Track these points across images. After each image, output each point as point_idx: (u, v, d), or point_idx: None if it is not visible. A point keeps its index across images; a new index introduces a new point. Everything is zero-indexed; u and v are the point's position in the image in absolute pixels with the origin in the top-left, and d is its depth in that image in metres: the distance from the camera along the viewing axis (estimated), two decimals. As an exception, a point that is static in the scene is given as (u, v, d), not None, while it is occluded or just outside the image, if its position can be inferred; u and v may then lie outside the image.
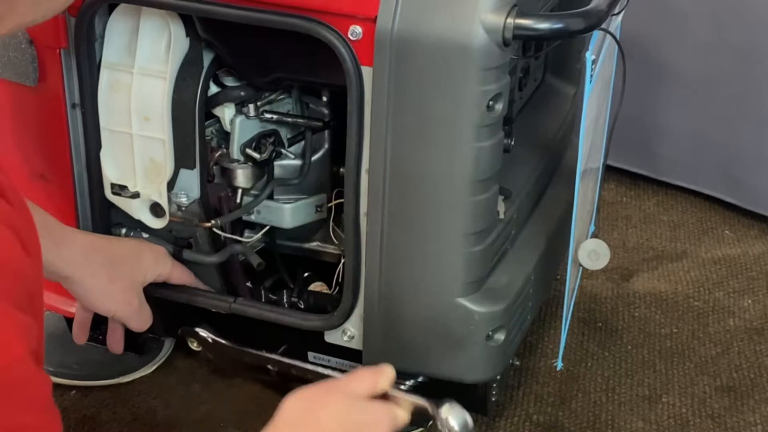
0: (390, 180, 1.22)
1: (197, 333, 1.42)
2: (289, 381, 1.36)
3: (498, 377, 1.40)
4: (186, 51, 1.29)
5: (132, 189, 1.34)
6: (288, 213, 1.38)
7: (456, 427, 1.05)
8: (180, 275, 1.39)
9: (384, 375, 1.07)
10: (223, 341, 1.42)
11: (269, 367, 1.40)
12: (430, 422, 1.49)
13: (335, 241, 1.41)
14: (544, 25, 1.15)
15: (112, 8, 1.30)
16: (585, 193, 1.42)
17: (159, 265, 1.36)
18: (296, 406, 1.02)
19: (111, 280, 1.32)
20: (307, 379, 1.33)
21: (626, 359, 1.65)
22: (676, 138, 2.10)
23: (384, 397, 1.07)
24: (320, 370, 1.36)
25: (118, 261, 1.32)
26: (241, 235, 1.39)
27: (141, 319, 1.37)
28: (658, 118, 2.10)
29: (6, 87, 1.34)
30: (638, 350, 1.67)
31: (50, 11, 0.79)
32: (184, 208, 1.35)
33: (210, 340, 1.42)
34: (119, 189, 1.35)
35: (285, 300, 1.41)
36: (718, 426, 1.52)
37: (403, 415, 1.05)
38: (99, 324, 1.47)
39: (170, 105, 1.29)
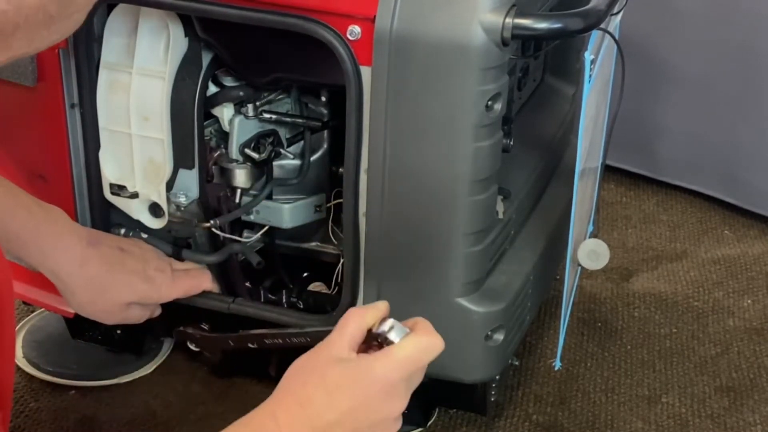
0: (389, 180, 1.22)
1: (185, 331, 1.42)
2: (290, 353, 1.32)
3: (497, 377, 1.40)
4: (185, 51, 1.29)
5: (131, 189, 1.34)
6: (287, 213, 1.38)
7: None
8: (179, 292, 1.36)
9: (372, 311, 1.00)
10: (208, 333, 1.41)
11: (256, 344, 1.36)
12: (430, 422, 1.49)
13: (334, 241, 1.41)
14: (542, 25, 1.15)
15: (110, 8, 1.30)
16: (584, 193, 1.42)
17: (146, 308, 1.36)
18: (296, 377, 0.98)
19: (93, 301, 1.32)
20: (303, 344, 1.29)
21: (626, 359, 1.65)
22: (676, 138, 2.10)
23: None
24: (307, 329, 1.30)
25: (108, 284, 1.31)
26: (240, 235, 1.39)
27: (124, 321, 1.37)
28: (657, 118, 2.10)
29: (5, 87, 1.34)
30: (638, 350, 1.67)
31: (43, 46, 0.80)
32: (183, 208, 1.35)
33: (197, 336, 1.42)
34: (118, 189, 1.35)
35: (284, 300, 1.41)
36: (718, 426, 1.52)
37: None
38: (99, 324, 1.47)
39: (169, 105, 1.29)
